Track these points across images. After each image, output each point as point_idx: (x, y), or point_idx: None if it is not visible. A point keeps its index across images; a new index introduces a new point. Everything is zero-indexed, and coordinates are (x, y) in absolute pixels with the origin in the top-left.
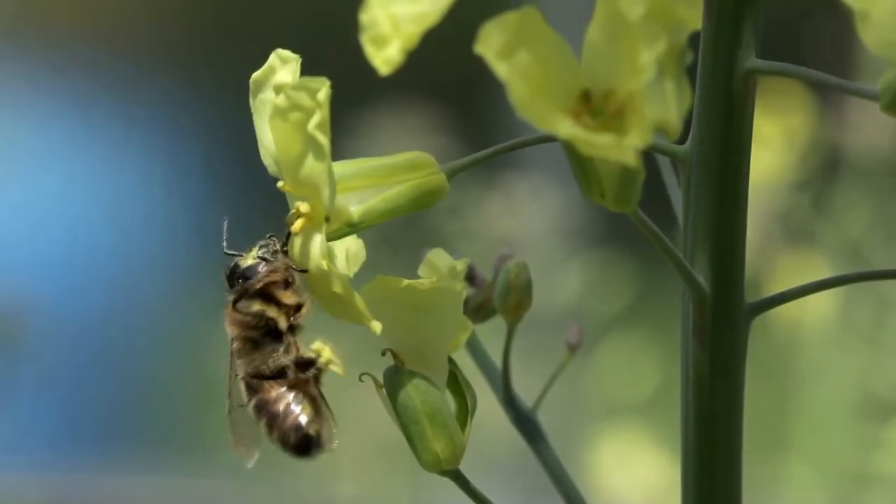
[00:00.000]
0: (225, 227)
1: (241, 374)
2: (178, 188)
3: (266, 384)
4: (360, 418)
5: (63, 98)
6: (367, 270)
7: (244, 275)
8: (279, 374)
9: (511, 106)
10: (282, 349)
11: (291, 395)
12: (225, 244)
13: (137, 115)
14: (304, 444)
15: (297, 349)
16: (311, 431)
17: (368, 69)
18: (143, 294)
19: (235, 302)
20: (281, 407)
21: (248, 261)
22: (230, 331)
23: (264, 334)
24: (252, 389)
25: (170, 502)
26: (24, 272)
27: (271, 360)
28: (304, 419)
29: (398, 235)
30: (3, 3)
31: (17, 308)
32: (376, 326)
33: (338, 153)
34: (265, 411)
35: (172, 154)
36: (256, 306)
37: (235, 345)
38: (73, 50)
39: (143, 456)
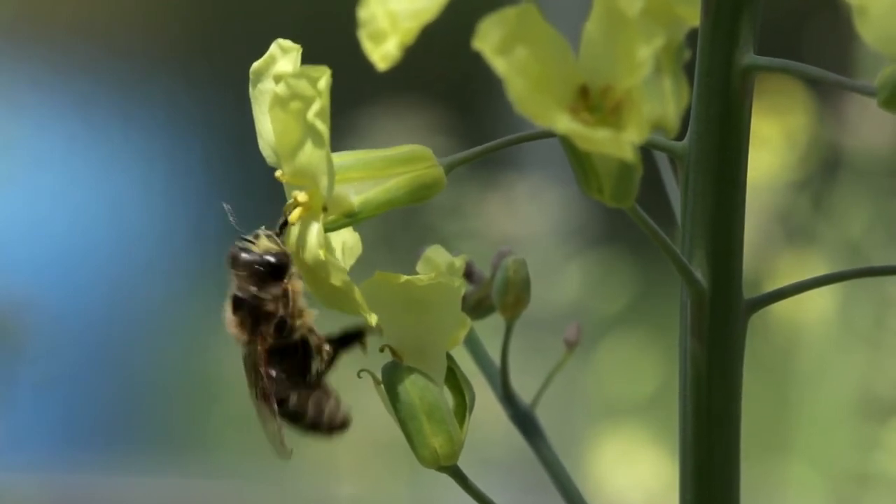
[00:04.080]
0: (229, 212)
1: (261, 370)
2: (177, 188)
3: (294, 373)
4: (359, 418)
5: (63, 98)
6: (366, 270)
7: (272, 264)
8: (305, 362)
9: (510, 105)
10: (300, 336)
11: (323, 380)
12: (235, 226)
13: (137, 115)
14: (346, 422)
15: (312, 332)
16: (346, 408)
17: (368, 69)
18: (143, 294)
19: (264, 289)
20: (323, 391)
21: (269, 249)
22: (245, 325)
23: (282, 323)
24: (280, 382)
25: (170, 502)
26: (24, 272)
27: (297, 347)
28: (339, 399)
29: (397, 235)
30: (3, 3)
31: (17, 308)
32: (373, 318)
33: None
34: (305, 400)
35: (172, 154)
36: (281, 294)
37: (253, 345)
38: (73, 50)
39: (143, 456)
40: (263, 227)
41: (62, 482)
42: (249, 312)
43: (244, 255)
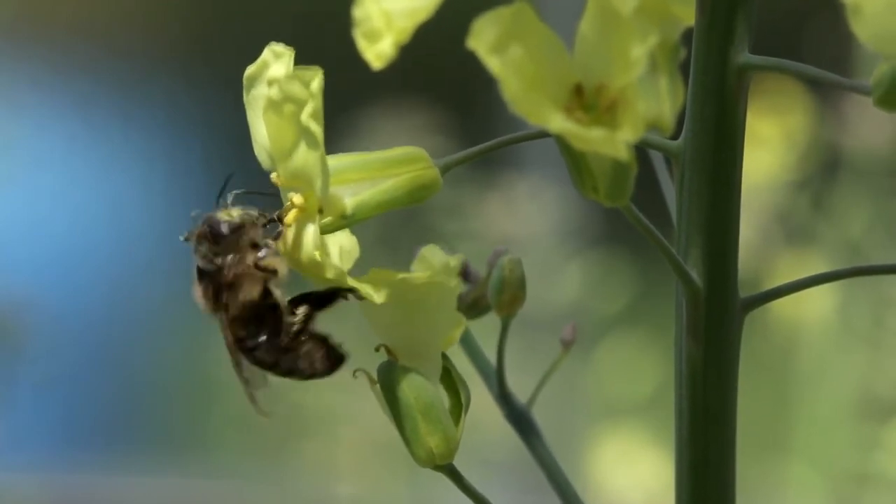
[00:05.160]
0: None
1: (231, 334)
2: (177, 188)
3: (267, 334)
4: (358, 418)
5: (63, 98)
6: (365, 270)
7: (224, 228)
8: (277, 324)
9: (508, 105)
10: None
11: (302, 327)
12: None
13: (137, 115)
14: (335, 360)
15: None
16: (334, 344)
17: (367, 69)
18: (143, 294)
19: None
20: (298, 336)
21: (228, 219)
22: (209, 294)
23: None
24: (255, 339)
25: (170, 502)
26: (24, 272)
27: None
28: (324, 338)
29: (396, 235)
30: (3, 3)
31: (17, 308)
32: (380, 297)
33: (336, 153)
34: (279, 349)
35: (172, 154)
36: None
37: (226, 311)
38: (73, 50)
39: (143, 456)
40: (231, 197)
41: (62, 482)
42: (211, 281)
43: (201, 226)
